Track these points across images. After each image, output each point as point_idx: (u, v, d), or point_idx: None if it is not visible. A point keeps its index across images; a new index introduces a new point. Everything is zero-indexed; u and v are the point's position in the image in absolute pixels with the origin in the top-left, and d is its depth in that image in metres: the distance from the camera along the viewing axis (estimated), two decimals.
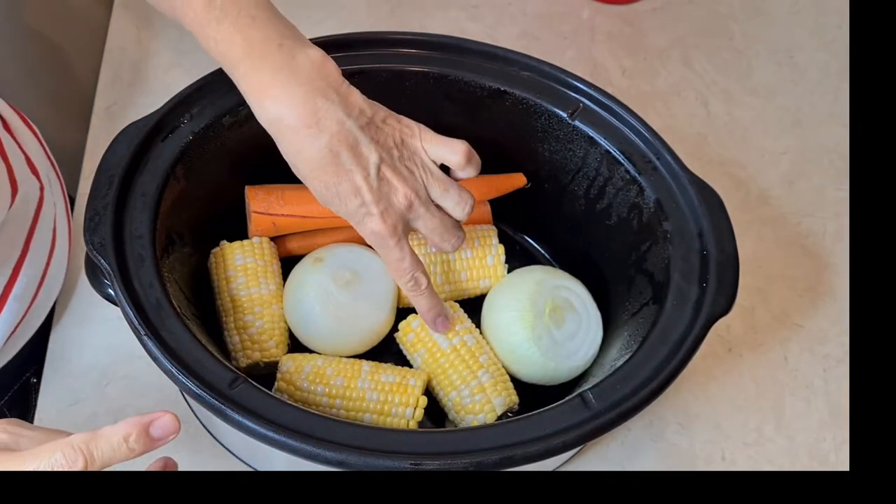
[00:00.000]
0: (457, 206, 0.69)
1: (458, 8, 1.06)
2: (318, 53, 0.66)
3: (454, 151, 0.68)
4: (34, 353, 0.81)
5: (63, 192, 0.85)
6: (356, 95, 0.66)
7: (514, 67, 0.77)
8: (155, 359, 0.61)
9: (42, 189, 0.79)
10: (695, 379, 0.81)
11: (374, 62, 0.76)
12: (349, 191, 0.65)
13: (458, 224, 0.70)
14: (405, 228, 0.68)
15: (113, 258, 0.64)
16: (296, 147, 0.65)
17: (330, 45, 0.76)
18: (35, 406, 0.77)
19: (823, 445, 0.79)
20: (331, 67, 0.66)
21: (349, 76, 0.75)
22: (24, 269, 0.76)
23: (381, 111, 0.68)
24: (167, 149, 0.70)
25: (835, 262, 0.90)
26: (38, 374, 0.81)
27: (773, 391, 0.82)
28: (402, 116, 0.69)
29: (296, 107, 0.64)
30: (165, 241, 0.70)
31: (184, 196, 0.72)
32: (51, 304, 0.81)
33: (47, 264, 0.79)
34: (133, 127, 0.70)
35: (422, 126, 0.69)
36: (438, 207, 0.69)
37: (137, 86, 0.96)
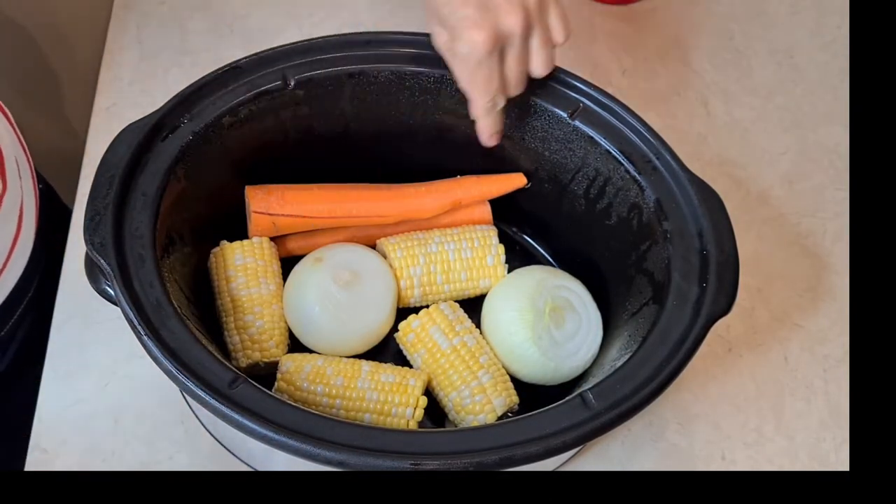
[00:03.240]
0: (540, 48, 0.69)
1: None
2: None
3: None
4: None
5: (32, 176, 0.84)
6: None
7: None
8: (155, 359, 0.61)
9: (4, 174, 0.77)
10: (694, 379, 0.81)
11: (374, 62, 0.76)
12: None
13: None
14: (501, 48, 0.68)
15: (113, 258, 0.64)
16: None
17: (331, 45, 0.76)
18: None
19: (823, 445, 0.79)
20: None
21: (349, 76, 0.76)
22: None
23: None
24: (167, 149, 0.70)
25: (835, 262, 0.90)
26: None
27: (773, 391, 0.82)
28: None
29: None
30: (165, 241, 0.70)
31: (184, 196, 0.72)
32: (9, 289, 0.80)
33: (10, 250, 0.78)
34: (133, 127, 0.70)
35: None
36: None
37: (137, 86, 0.96)
